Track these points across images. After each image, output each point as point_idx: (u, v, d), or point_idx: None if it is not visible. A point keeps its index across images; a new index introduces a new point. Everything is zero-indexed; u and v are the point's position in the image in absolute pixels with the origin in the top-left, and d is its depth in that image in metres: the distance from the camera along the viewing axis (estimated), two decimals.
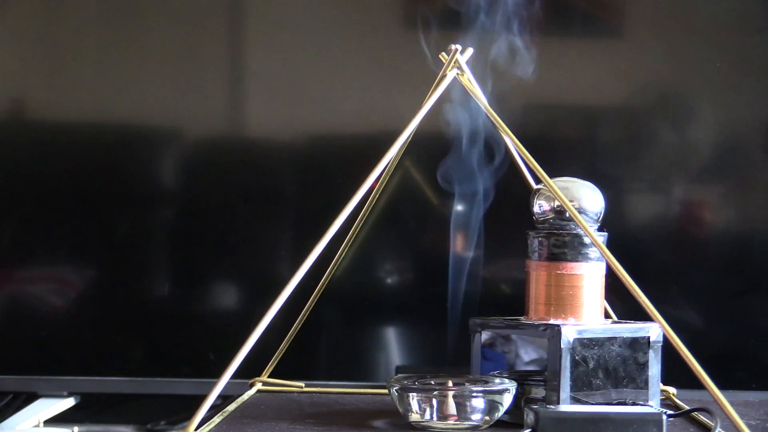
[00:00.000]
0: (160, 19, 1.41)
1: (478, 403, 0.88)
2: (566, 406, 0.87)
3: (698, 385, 0.83)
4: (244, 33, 1.42)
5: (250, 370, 1.00)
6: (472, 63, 0.98)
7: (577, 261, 0.92)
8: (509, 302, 1.33)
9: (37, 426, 1.33)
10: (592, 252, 0.92)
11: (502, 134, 0.97)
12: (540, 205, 0.94)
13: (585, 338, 0.90)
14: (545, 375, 0.91)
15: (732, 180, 1.40)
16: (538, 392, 0.91)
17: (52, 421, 1.36)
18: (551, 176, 0.92)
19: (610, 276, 0.91)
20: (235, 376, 0.86)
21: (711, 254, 1.38)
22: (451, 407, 0.88)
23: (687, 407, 0.99)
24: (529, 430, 0.84)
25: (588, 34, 1.41)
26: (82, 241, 1.41)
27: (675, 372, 0.94)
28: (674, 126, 1.39)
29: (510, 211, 1.02)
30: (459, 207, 1.03)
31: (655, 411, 0.86)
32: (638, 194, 1.41)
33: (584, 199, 0.93)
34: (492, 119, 0.95)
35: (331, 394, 1.08)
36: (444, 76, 0.97)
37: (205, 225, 1.41)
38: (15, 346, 1.41)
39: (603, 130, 1.41)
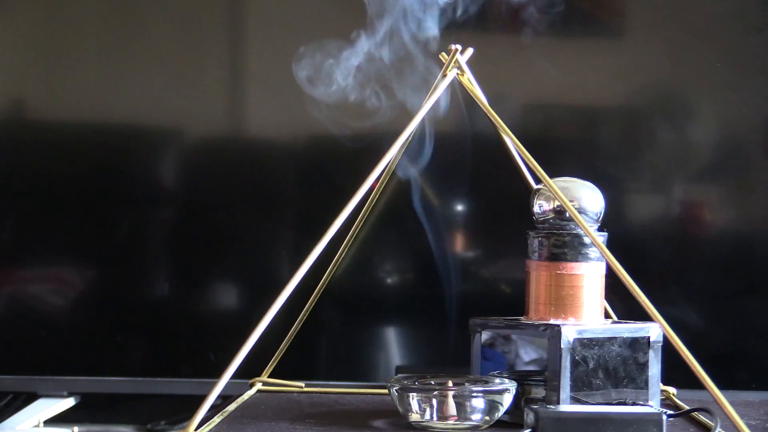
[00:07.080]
0: (160, 19, 1.41)
1: (478, 403, 0.88)
2: (566, 406, 0.87)
3: (698, 385, 0.84)
4: (244, 33, 1.42)
5: (250, 370, 1.00)
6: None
7: (577, 261, 0.92)
8: (509, 302, 1.33)
9: (37, 426, 1.32)
10: (592, 252, 0.92)
11: (502, 134, 0.97)
12: (540, 205, 0.94)
13: (585, 338, 0.90)
14: (545, 375, 0.91)
15: (732, 180, 1.40)
16: (538, 392, 0.92)
17: (52, 421, 1.36)
18: (551, 176, 0.92)
19: (610, 276, 0.91)
20: (235, 376, 0.86)
21: (711, 254, 1.38)
22: (451, 407, 0.88)
23: (687, 407, 0.99)
24: (529, 430, 0.84)
25: (588, 34, 1.41)
26: (82, 241, 1.41)
27: (675, 372, 0.94)
28: (674, 126, 1.39)
29: (510, 211, 1.02)
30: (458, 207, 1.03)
31: (655, 411, 0.86)
32: (638, 194, 1.41)
33: (584, 199, 0.93)
34: (492, 119, 0.95)
35: (331, 394, 1.08)
36: (444, 76, 0.97)
37: (205, 225, 1.41)
38: (15, 346, 1.41)
39: (603, 130, 1.41)
